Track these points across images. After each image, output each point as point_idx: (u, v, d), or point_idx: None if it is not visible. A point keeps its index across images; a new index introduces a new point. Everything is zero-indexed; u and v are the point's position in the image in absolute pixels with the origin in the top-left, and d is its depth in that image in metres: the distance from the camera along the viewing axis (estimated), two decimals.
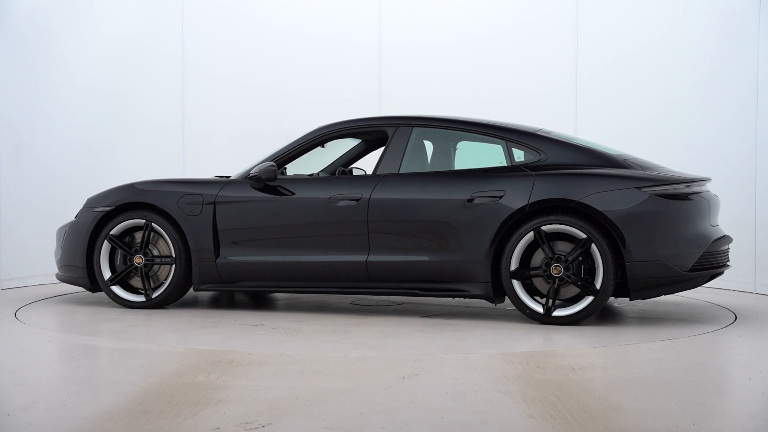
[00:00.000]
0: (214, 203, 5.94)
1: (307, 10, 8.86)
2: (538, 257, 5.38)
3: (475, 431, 3.12)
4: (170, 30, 8.63)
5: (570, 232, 5.28)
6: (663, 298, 6.47)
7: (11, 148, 7.43)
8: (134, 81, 8.46)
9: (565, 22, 8.43)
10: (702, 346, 4.76)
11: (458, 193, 5.50)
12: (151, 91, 8.56)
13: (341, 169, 6.49)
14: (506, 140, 5.69)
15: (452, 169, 6.04)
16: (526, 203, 5.33)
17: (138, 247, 6.04)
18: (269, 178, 5.85)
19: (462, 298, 5.64)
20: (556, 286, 5.29)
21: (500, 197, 5.41)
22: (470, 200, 5.46)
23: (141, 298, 6.07)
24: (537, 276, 5.37)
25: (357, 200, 5.67)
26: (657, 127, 7.92)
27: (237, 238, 5.90)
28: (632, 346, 4.71)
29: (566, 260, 5.26)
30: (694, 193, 5.40)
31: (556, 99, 8.40)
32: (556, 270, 5.28)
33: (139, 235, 6.10)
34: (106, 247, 6.10)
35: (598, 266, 5.23)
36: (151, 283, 6.09)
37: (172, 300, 6.08)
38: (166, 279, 6.02)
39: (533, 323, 5.39)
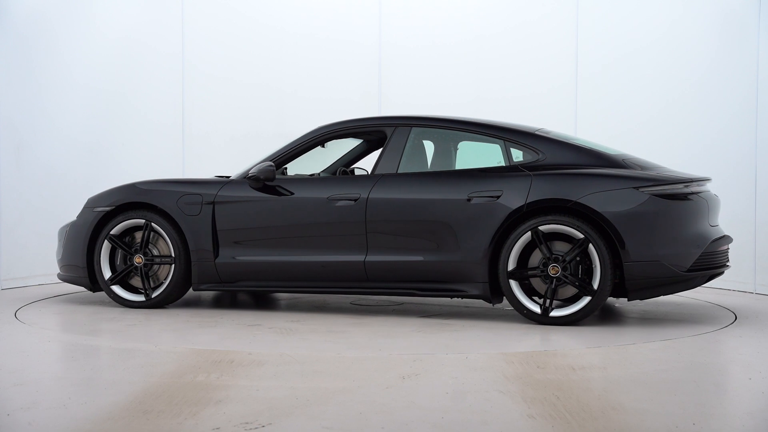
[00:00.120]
0: (213, 203, 5.94)
1: (307, 10, 8.86)
2: (536, 257, 5.38)
3: (475, 431, 3.13)
4: (170, 30, 8.63)
5: (568, 232, 5.28)
6: (663, 298, 6.47)
7: (11, 148, 7.43)
8: (134, 81, 8.46)
9: (565, 22, 8.43)
10: (702, 346, 4.76)
11: (456, 193, 5.49)
12: (151, 91, 8.56)
13: (342, 169, 6.49)
14: (504, 140, 5.69)
15: (450, 169, 6.04)
16: (523, 203, 5.33)
17: (138, 247, 6.05)
18: (268, 178, 5.85)
19: (460, 298, 5.64)
20: (553, 286, 5.28)
21: (498, 197, 5.40)
22: (468, 200, 5.46)
23: (141, 298, 6.08)
24: (534, 276, 5.37)
25: (355, 200, 5.67)
26: (657, 127, 7.92)
27: (236, 238, 5.90)
28: (632, 346, 4.71)
29: (564, 260, 5.26)
30: (692, 193, 5.39)
31: (556, 99, 8.40)
32: (553, 270, 5.27)
33: (139, 235, 6.11)
34: (106, 246, 6.11)
35: (595, 266, 5.23)
36: (151, 283, 6.09)
37: (171, 300, 6.09)
38: (165, 279, 6.03)
39: (531, 323, 5.39)
